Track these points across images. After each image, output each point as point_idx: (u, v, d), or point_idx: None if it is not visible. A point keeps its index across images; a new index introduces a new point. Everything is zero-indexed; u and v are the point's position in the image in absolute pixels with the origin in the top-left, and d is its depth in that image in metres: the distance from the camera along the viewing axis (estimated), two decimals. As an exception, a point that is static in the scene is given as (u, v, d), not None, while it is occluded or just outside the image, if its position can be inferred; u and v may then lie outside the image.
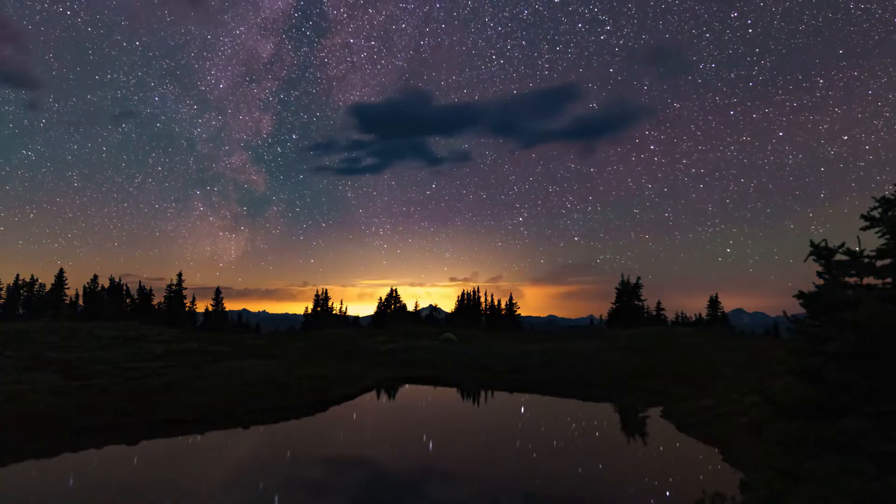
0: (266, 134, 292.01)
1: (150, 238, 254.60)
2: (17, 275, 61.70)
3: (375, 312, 73.39)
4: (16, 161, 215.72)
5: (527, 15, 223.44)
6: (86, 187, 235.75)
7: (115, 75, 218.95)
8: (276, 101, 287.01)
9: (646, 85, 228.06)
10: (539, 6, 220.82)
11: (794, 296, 7.59)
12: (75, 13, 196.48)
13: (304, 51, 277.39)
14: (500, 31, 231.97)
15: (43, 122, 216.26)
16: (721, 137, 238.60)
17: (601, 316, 70.89)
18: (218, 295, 67.27)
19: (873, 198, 7.29)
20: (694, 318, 65.31)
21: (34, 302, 59.57)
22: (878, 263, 7.05)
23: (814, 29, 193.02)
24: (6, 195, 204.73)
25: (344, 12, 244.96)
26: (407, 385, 28.35)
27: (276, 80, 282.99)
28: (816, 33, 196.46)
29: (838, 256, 7.41)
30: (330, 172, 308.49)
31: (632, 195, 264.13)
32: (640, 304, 61.63)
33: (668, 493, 11.16)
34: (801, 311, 7.70)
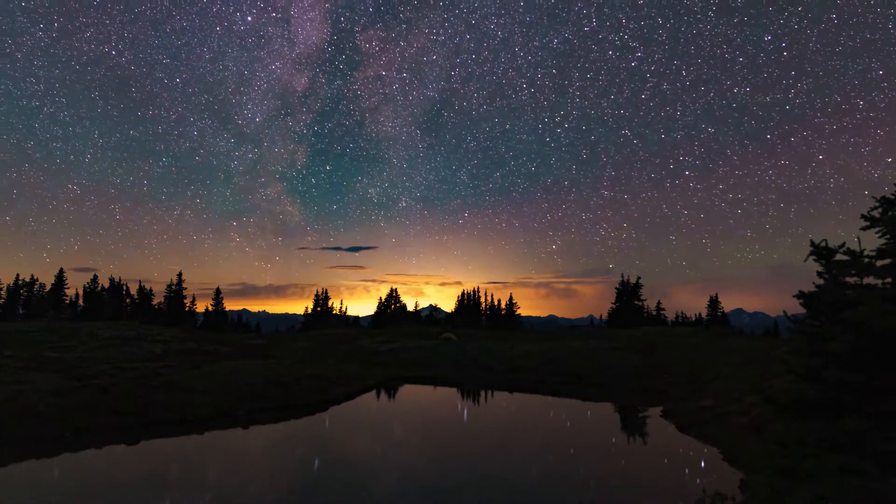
0: (300, 165, 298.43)
1: (188, 269, 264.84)
2: (17, 274, 61.79)
3: (375, 312, 73.37)
4: (62, 195, 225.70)
5: (556, 44, 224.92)
6: (127, 220, 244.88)
7: (156, 111, 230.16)
8: (310, 133, 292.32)
9: (678, 110, 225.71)
10: (569, 35, 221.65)
11: (794, 296, 7.60)
12: (120, 53, 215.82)
13: (338, 84, 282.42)
14: (531, 60, 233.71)
15: (88, 158, 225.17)
16: (758, 162, 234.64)
17: (601, 316, 71.02)
18: (218, 295, 67.28)
19: (873, 197, 7.29)
20: (694, 318, 65.31)
21: (34, 302, 59.54)
22: (878, 263, 7.04)
23: (851, 50, 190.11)
24: (52, 228, 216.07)
25: (376, 46, 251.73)
26: (407, 385, 28.35)
27: (311, 112, 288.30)
28: (854, 55, 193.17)
29: (838, 256, 7.41)
30: (363, 203, 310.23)
31: (667, 221, 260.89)
32: (640, 304, 61.65)
33: (668, 493, 11.16)
34: (802, 310, 7.70)
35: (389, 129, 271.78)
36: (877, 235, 7.19)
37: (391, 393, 25.60)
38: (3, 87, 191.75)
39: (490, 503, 10.53)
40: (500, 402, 24.51)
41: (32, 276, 61.49)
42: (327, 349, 38.19)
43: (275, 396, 20.51)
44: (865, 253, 7.17)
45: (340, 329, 56.92)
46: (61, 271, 60.87)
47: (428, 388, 27.62)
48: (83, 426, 15.21)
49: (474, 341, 41.02)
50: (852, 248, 7.27)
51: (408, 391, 26.71)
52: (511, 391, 26.56)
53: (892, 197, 7.15)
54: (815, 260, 7.55)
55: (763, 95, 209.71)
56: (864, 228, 7.29)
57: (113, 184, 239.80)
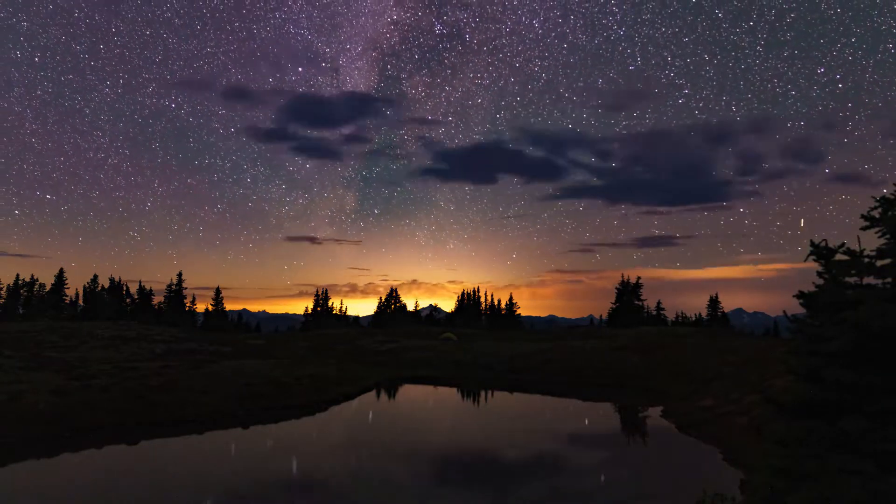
0: (349, 209, 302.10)
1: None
2: (17, 274, 61.81)
3: (375, 312, 73.31)
4: (123, 241, 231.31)
5: (601, 84, 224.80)
6: (183, 264, 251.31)
7: (212, 160, 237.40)
8: (358, 178, 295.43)
9: (730, 147, 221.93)
10: (613, 74, 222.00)
11: (794, 296, 7.59)
12: (179, 106, 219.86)
13: (385, 129, 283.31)
14: (576, 100, 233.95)
15: (148, 206, 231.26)
16: (818, 196, 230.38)
17: (601, 316, 70.91)
18: (218, 295, 67.24)
19: (873, 197, 7.29)
20: (694, 318, 65.25)
21: (34, 302, 59.51)
22: (878, 263, 7.04)
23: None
24: (114, 273, 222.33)
25: (422, 91, 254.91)
26: (407, 385, 28.34)
27: (359, 158, 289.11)
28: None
29: (838, 256, 7.40)
30: (412, 246, 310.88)
31: (721, 257, 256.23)
32: (640, 304, 61.59)
33: (668, 493, 11.15)
34: (801, 310, 7.69)
35: (436, 172, 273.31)
36: (877, 235, 7.19)
37: (391, 393, 25.59)
38: (72, 140, 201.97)
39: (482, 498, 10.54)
40: (501, 401, 24.51)
41: (32, 276, 61.52)
42: (327, 349, 38.18)
43: (275, 396, 20.51)
44: (865, 253, 7.17)
45: (340, 329, 56.92)
46: (61, 271, 60.86)
47: (428, 388, 27.61)
48: (83, 426, 15.20)
49: (474, 341, 41.01)
50: (852, 248, 7.26)
51: (408, 391, 26.70)
52: (511, 391, 26.55)
53: (892, 197, 7.15)
54: (814, 260, 7.54)
55: (818, 128, 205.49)
56: (864, 228, 7.29)
57: (171, 230, 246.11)
